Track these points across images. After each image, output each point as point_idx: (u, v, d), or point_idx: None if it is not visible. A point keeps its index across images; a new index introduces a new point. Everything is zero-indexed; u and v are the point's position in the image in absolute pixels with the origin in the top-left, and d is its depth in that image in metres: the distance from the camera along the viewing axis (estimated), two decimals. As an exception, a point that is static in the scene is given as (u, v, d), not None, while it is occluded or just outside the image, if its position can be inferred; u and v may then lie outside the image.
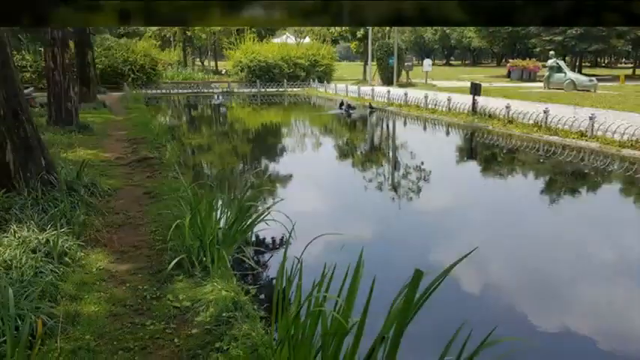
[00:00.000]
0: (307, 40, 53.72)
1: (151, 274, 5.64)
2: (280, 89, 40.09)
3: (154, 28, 47.94)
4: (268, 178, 12.28)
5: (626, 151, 13.94)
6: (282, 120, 26.60)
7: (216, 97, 35.01)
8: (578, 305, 5.91)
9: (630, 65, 65.05)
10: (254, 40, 45.31)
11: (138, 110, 23.45)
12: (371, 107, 26.90)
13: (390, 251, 7.52)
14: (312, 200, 10.48)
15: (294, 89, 40.48)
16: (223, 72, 50.78)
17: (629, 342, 5.09)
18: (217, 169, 13.97)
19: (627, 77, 44.59)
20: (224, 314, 4.53)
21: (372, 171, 13.76)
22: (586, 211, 10.10)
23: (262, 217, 6.30)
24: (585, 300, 6.05)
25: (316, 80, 41.61)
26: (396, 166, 14.49)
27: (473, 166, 14.87)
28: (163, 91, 37.16)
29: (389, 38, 42.97)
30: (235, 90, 39.71)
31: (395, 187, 11.72)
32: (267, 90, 39.36)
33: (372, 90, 30.29)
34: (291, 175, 13.00)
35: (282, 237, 7.22)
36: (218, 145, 18.06)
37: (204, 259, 5.58)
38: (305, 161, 15.51)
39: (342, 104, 26.84)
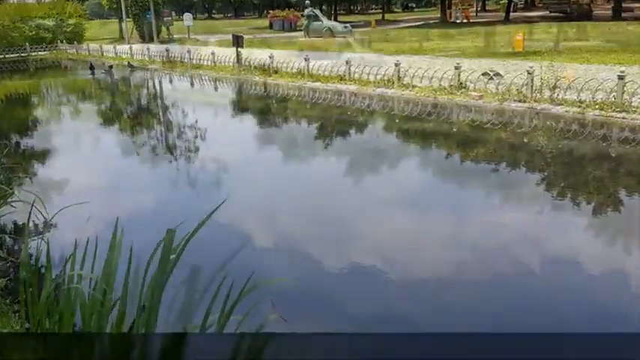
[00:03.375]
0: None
1: None
2: (23, 54, 35.93)
3: None
4: (19, 154, 10.99)
5: (379, 90, 15.33)
6: (29, 89, 23.82)
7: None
8: (347, 241, 6.38)
9: (380, 11, 71.41)
10: (-18, 0, 39.56)
11: None
12: (131, 66, 25.54)
13: (159, 216, 7.25)
14: (72, 173, 9.63)
15: (40, 53, 36.59)
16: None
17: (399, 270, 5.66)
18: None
19: (377, 22, 49.02)
20: (-34, 319, 3.94)
21: (142, 135, 13.12)
22: (355, 149, 10.94)
23: (3, 198, 5.56)
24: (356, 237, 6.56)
25: (65, 42, 38.08)
26: (167, 127, 14.01)
27: (245, 119, 15.08)
28: None
29: (143, -8, 40.86)
30: (-34, 60, 34.57)
31: (169, 149, 11.32)
32: (7, 56, 35.00)
33: (131, 48, 28.72)
34: (48, 150, 11.73)
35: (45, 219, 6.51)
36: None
37: None
38: (62, 132, 14.16)
39: (92, 67, 24.88)
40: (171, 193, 8.39)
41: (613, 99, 11.16)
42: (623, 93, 11.10)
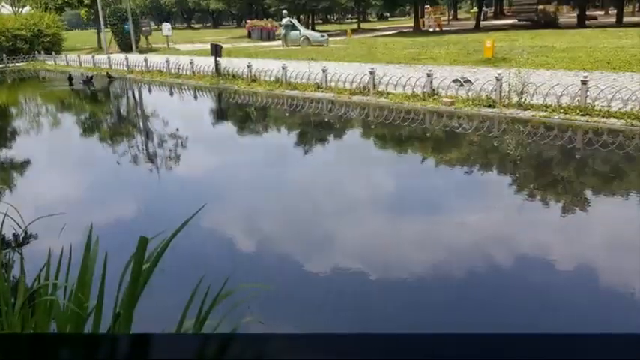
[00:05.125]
0: (27, 9, 47.91)
1: None
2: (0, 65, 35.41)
3: None
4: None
5: (356, 98, 15.42)
6: (6, 100, 23.44)
7: None
8: (326, 246, 6.41)
9: (355, 20, 71.86)
10: (-41, 12, 38.81)
11: None
12: (109, 76, 25.30)
13: (139, 224, 7.20)
14: (52, 186, 9.51)
15: (18, 64, 36.11)
16: None
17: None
18: None
19: (354, 31, 49.28)
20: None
21: (123, 144, 12.97)
22: (333, 156, 10.98)
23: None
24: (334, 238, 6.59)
25: (42, 52, 37.61)
26: (148, 135, 13.89)
27: (226, 128, 15.04)
28: None
29: (121, 3, 40.56)
30: (-57, 71, 33.90)
31: (150, 158, 11.17)
32: (-17, 68, 34.44)
33: (109, 58, 28.48)
34: (27, 162, 11.53)
35: (27, 231, 6.39)
36: None
37: None
38: (41, 144, 13.96)
39: (70, 78, 24.47)
40: (175, 201, 8.27)
41: (577, 102, 11.44)
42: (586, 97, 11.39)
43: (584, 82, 11.35)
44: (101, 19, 39.07)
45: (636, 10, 51.58)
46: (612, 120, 10.73)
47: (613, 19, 39.06)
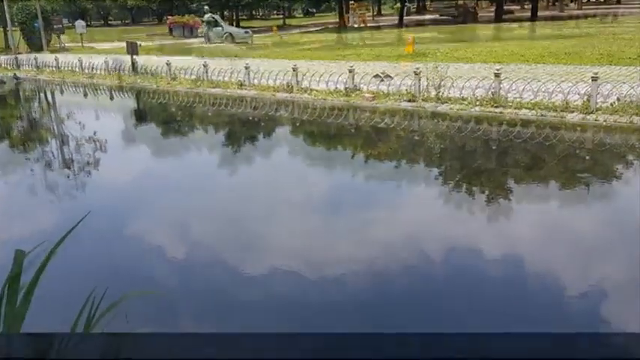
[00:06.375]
0: None
1: None
2: None
3: None
4: None
5: (280, 95, 15.45)
6: None
7: None
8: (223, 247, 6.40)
9: (281, 16, 71.92)
10: None
11: None
12: (16, 78, 24.06)
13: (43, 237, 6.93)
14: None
15: None
16: None
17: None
18: None
19: (279, 27, 49.25)
20: None
21: (36, 151, 12.30)
22: (254, 153, 10.98)
23: None
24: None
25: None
26: (63, 140, 13.27)
27: (144, 129, 14.68)
28: None
29: (30, -1, 38.70)
30: None
31: (67, 164, 10.59)
32: None
33: (16, 58, 27.16)
34: None
35: None
36: None
37: None
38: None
39: None
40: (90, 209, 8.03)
41: (491, 95, 11.97)
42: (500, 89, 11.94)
43: (497, 75, 11.86)
44: (8, 16, 37.11)
45: (550, 4, 54.77)
46: (524, 111, 11.31)
47: (529, 13, 41.10)
